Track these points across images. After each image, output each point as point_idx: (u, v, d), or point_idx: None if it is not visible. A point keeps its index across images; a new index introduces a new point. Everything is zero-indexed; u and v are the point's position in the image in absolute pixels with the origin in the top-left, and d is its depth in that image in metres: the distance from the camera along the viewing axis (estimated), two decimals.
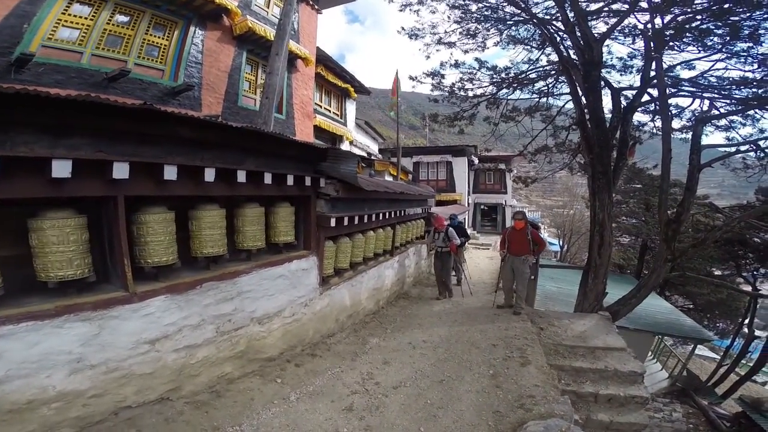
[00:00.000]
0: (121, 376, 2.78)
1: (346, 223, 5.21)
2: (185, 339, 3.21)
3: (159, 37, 6.45)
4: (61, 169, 2.31)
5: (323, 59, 11.64)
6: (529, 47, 9.91)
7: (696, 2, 7.08)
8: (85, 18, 5.50)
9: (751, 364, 14.25)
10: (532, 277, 7.52)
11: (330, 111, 13.47)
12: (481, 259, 15.15)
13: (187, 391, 3.24)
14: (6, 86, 1.96)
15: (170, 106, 5.96)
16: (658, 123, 9.41)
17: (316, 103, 11.81)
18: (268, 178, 3.83)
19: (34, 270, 2.58)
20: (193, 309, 3.29)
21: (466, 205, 23.04)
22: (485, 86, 10.51)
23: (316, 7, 10.16)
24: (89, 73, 5.44)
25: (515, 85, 10.40)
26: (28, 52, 4.70)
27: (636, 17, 8.05)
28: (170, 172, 2.89)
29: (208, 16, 7.05)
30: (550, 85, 10.45)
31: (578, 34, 7.70)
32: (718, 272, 17.30)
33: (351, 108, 14.84)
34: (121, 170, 2.59)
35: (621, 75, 9.56)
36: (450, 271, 8.02)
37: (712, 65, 8.04)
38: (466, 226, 20.01)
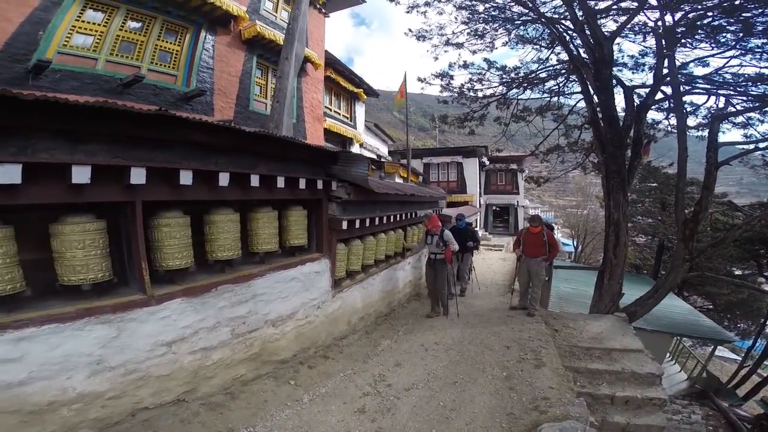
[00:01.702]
0: (138, 377, 2.82)
1: (357, 225, 5.23)
2: (201, 341, 3.25)
3: (171, 43, 6.56)
4: (81, 174, 2.37)
5: (332, 62, 11.70)
6: (538, 47, 9.83)
7: None
8: (99, 24, 5.61)
9: None
10: (546, 278, 7.45)
11: (340, 114, 13.53)
12: (494, 260, 15.04)
13: (203, 392, 3.28)
14: (26, 93, 2.01)
15: (183, 111, 6.06)
16: (673, 121, 9.27)
17: (325, 107, 11.88)
18: (280, 182, 3.87)
19: (55, 273, 2.64)
20: (209, 311, 3.33)
21: (478, 206, 22.89)
22: (495, 86, 10.46)
23: (323, 11, 10.23)
24: (104, 79, 5.54)
25: (525, 84, 10.32)
26: (44, 59, 4.80)
27: (646, 14, 7.93)
28: (186, 177, 2.94)
29: (217, 22, 7.14)
30: (560, 85, 10.34)
31: (588, 32, 7.61)
32: (738, 272, 16.86)
33: (360, 110, 14.88)
34: (138, 176, 2.64)
35: (633, 73, 9.51)
36: (445, 284, 6.52)
37: (727, 62, 7.87)
38: (478, 228, 19.85)
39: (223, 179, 3.25)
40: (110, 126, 2.53)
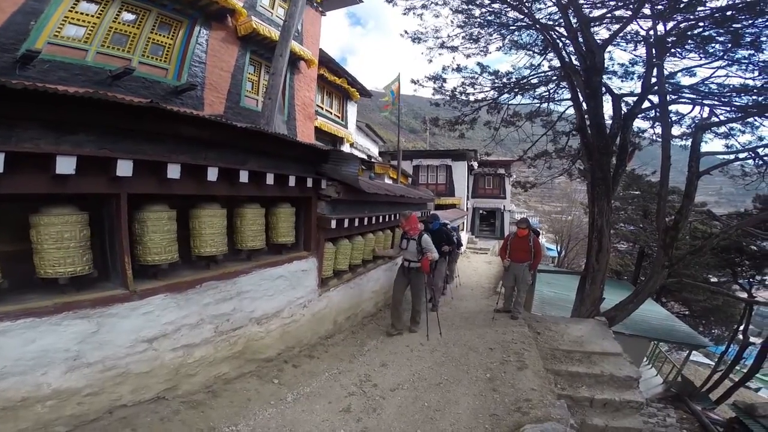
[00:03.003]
0: (117, 374, 2.77)
1: (346, 225, 5.22)
2: (183, 338, 3.21)
3: (164, 36, 6.45)
4: (66, 165, 2.32)
5: (326, 61, 11.65)
6: (531, 53, 9.98)
7: (698, 9, 7.12)
8: (92, 16, 5.50)
9: (745, 370, 14.32)
10: (530, 282, 7.54)
11: (331, 113, 13.47)
12: (480, 263, 15.17)
13: (184, 390, 3.24)
14: (14, 82, 1.97)
15: (173, 105, 5.95)
16: (658, 129, 9.47)
17: (317, 105, 11.81)
18: (270, 179, 3.85)
19: (33, 266, 2.57)
20: (192, 308, 3.29)
21: (465, 209, 23.06)
22: (487, 91, 10.56)
23: (320, 9, 10.19)
24: (93, 71, 5.42)
25: (516, 90, 10.45)
26: (33, 49, 4.67)
27: (638, 23, 8.10)
28: (174, 171, 2.90)
29: (213, 16, 7.06)
30: (551, 91, 10.50)
31: (581, 40, 7.75)
32: (714, 279, 17.36)
33: (352, 110, 14.84)
34: (124, 168, 2.60)
35: (622, 81, 9.66)
36: (422, 296, 5.70)
37: (713, 72, 8.10)
38: (464, 231, 19.95)
39: (212, 174, 3.21)
40: (98, 117, 2.48)
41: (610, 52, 9.00)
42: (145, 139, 2.80)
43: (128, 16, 5.94)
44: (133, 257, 2.98)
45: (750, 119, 8.22)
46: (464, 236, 18.29)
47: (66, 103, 2.26)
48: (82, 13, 5.39)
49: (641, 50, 8.73)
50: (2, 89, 1.95)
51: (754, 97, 7.91)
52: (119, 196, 2.76)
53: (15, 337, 2.30)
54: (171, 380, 3.14)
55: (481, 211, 27.94)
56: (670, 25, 7.59)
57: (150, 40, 6.22)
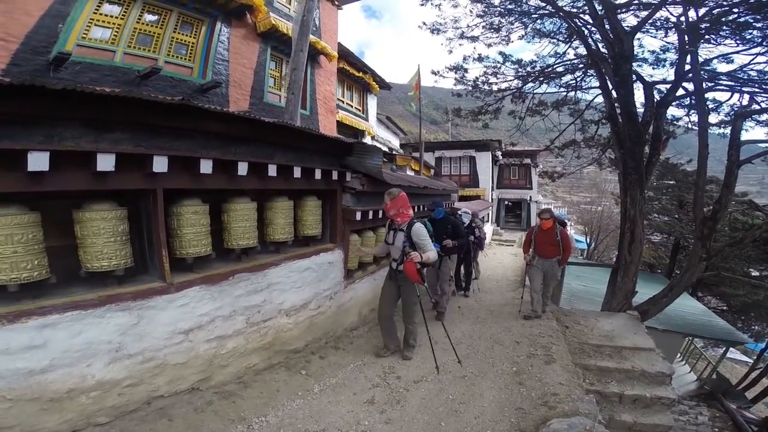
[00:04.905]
0: (155, 365, 2.85)
1: (370, 216, 5.22)
2: (217, 329, 3.29)
3: (187, 35, 6.61)
4: (105, 162, 2.40)
5: (345, 55, 11.67)
6: (555, 41, 9.65)
7: None
8: (116, 17, 5.69)
9: None
10: (558, 277, 7.35)
11: (352, 106, 13.51)
12: (505, 255, 14.95)
13: (216, 381, 3.33)
14: (55, 83, 2.06)
15: (200, 103, 6.12)
16: (694, 118, 9.05)
17: (338, 99, 11.86)
18: (297, 172, 3.89)
19: (77, 260, 2.69)
20: (226, 300, 3.37)
21: (490, 200, 22.74)
22: (510, 80, 10.32)
23: (336, 2, 10.18)
24: (122, 71, 5.62)
25: (541, 78, 10.16)
26: (64, 51, 4.87)
27: (668, 10, 7.72)
28: (206, 166, 2.97)
29: (232, 14, 7.17)
30: (578, 79, 10.15)
31: (607, 27, 7.45)
32: (755, 273, 16.53)
33: (372, 103, 14.84)
34: (160, 164, 2.68)
35: (653, 68, 9.19)
36: (413, 310, 4.31)
37: (753, 59, 7.63)
38: (489, 222, 19.63)
39: (242, 168, 3.28)
40: (133, 115, 2.57)
41: (639, 39, 8.62)
42: (177, 136, 2.88)
43: (151, 17, 6.12)
44: (169, 250, 3.07)
45: None
46: (488, 228, 18.02)
47: (104, 102, 2.34)
48: (106, 15, 5.57)
49: (672, 37, 8.33)
50: (43, 90, 2.03)
51: None
52: (155, 192, 2.85)
53: (63, 330, 2.39)
54: (205, 371, 3.22)
55: (506, 202, 27.47)
56: (703, 11, 7.18)
57: (174, 39, 6.39)
